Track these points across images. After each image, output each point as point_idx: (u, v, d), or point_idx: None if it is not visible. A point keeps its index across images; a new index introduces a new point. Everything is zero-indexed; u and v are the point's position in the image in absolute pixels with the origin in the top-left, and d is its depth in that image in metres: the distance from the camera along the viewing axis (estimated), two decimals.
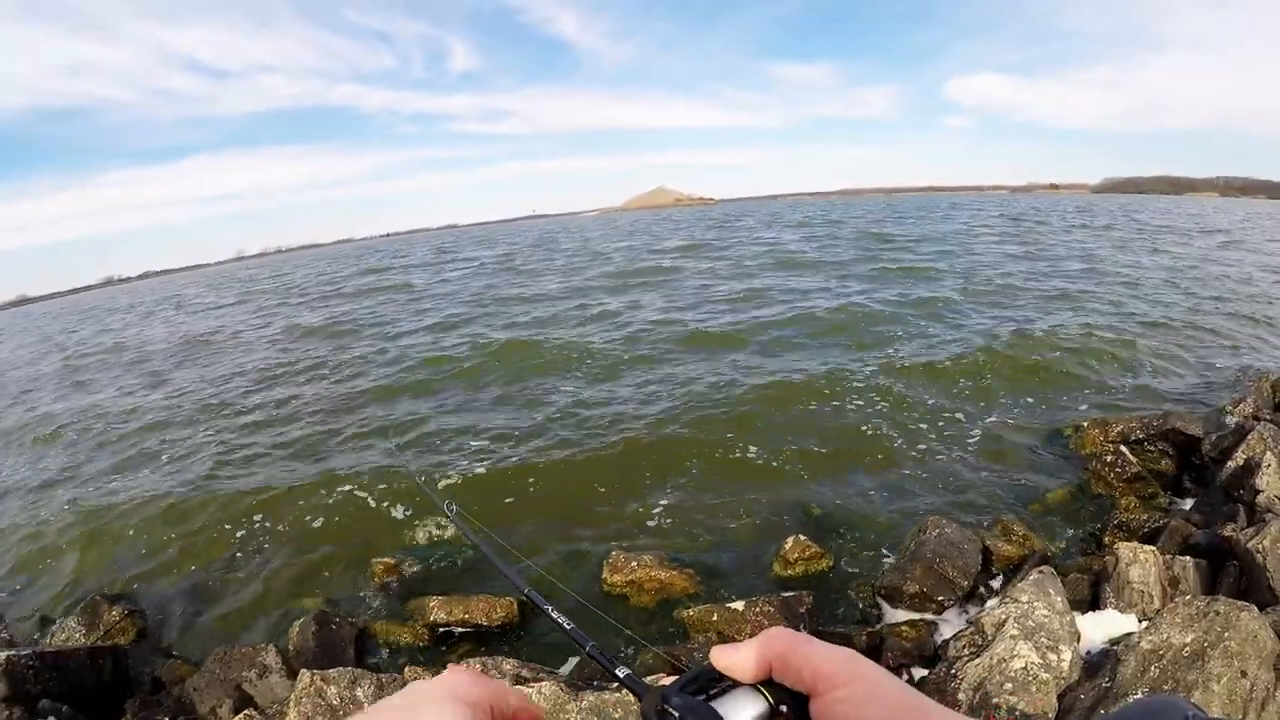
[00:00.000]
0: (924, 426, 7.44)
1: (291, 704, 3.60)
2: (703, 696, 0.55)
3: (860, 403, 8.15)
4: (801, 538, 5.15)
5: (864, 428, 7.41)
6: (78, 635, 4.86)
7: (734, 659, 0.57)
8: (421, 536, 5.91)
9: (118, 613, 4.97)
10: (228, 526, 6.48)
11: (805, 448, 7.02)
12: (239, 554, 6.03)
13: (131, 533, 6.60)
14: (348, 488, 6.80)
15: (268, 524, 6.42)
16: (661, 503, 6.19)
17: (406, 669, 4.02)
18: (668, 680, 0.60)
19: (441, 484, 6.71)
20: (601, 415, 8.35)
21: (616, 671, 0.69)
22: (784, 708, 0.54)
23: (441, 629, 4.76)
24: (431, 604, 4.81)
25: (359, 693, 3.75)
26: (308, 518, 6.44)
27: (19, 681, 4.20)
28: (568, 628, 0.78)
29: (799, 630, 0.70)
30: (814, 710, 0.53)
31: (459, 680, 0.53)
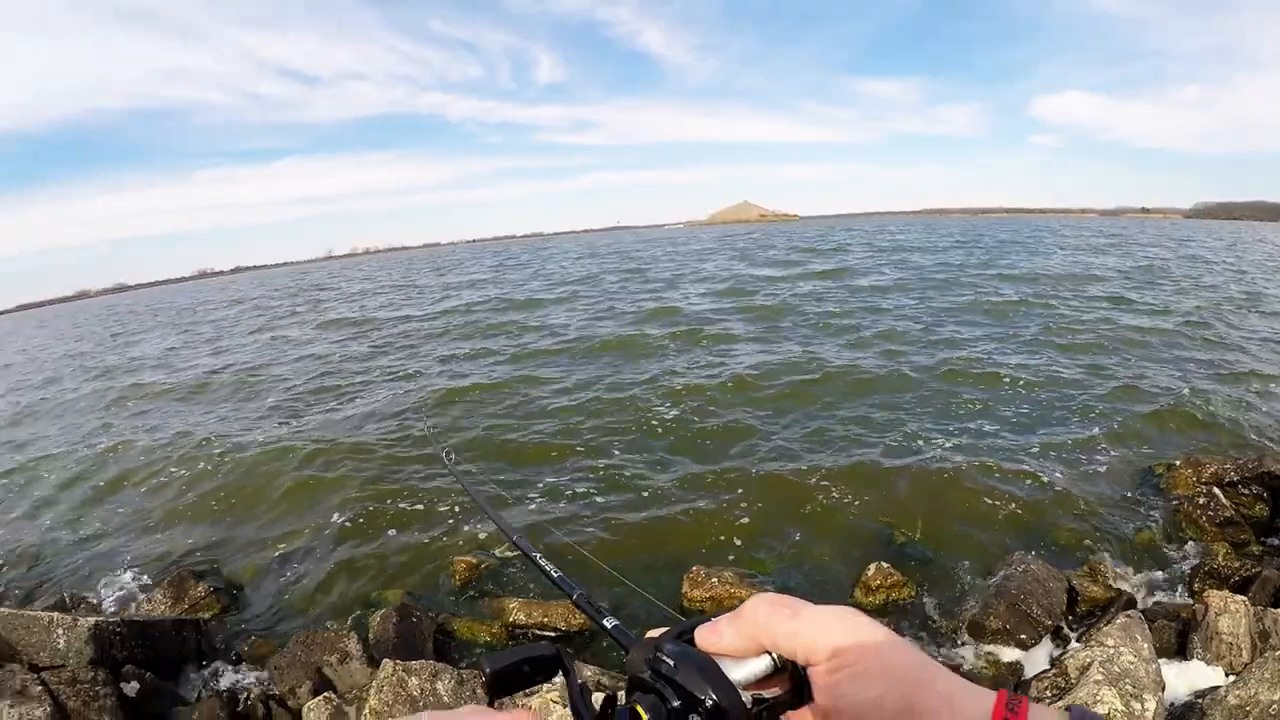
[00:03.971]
0: (1013, 462, 6.91)
1: (373, 691, 3.48)
2: None
3: (948, 433, 7.66)
4: (884, 565, 4.93)
5: (951, 459, 6.94)
6: (163, 607, 4.89)
7: (718, 640, 0.53)
8: (502, 538, 5.76)
9: (203, 588, 4.99)
10: (315, 511, 6.54)
11: (890, 475, 6.62)
12: (324, 539, 6.03)
13: (222, 507, 6.75)
14: (435, 484, 6.76)
15: (355, 512, 6.42)
16: (743, 521, 5.90)
17: None
18: (657, 633, 0.56)
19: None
20: (713, 438, 8.07)
21: (604, 622, 0.66)
22: (788, 665, 0.51)
23: (519, 631, 4.59)
24: (511, 605, 4.68)
25: (439, 686, 3.60)
26: (393, 510, 6.43)
27: (106, 646, 4.24)
28: (555, 575, 0.75)
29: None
30: (813, 678, 0.49)
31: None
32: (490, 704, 0.57)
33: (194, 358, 17.70)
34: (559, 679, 0.57)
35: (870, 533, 5.73)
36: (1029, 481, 6.42)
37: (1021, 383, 9.43)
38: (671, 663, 0.51)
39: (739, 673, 0.50)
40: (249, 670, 4.27)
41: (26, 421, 12.64)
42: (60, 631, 4.32)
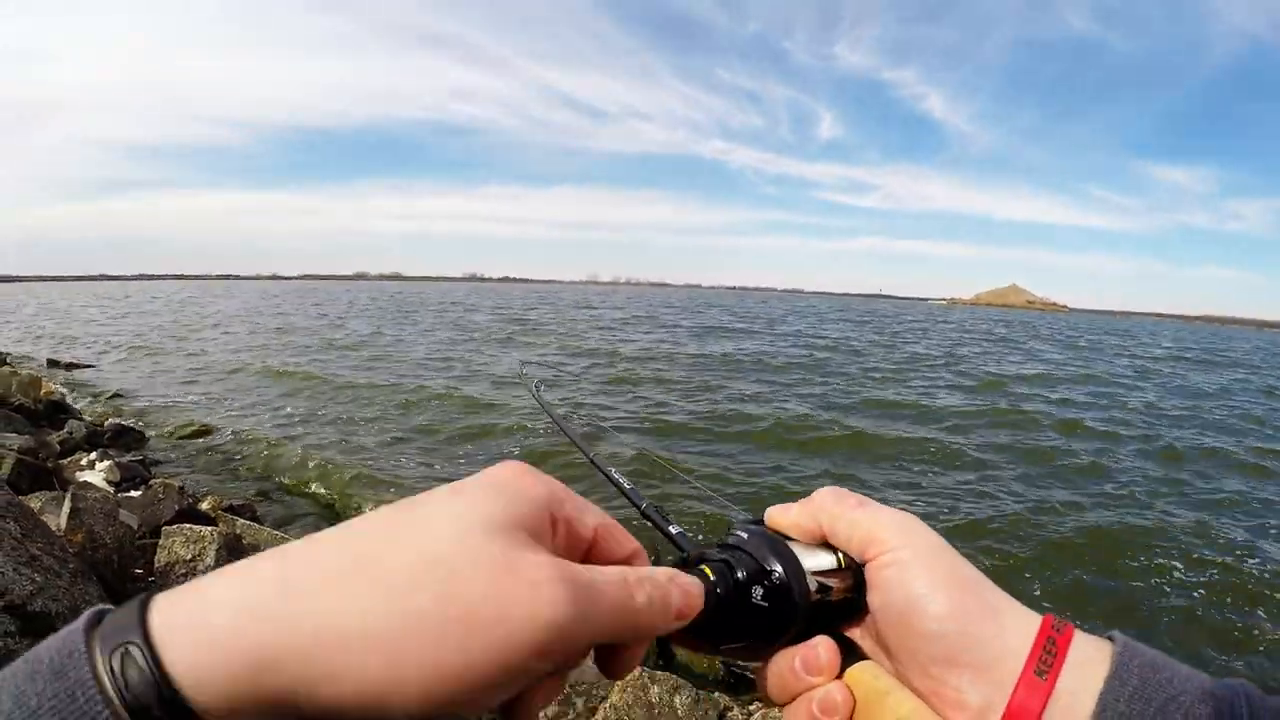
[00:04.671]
0: None
1: (616, 689, 3.34)
2: None
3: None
4: None
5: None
6: None
7: (786, 517, 0.53)
8: None
9: None
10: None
11: None
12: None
13: None
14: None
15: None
16: None
17: None
18: None
19: None
20: None
21: (669, 529, 0.62)
22: (851, 566, 0.51)
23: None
24: None
25: (678, 700, 3.38)
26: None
27: None
28: (628, 487, 0.74)
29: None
30: (867, 574, 0.50)
31: (506, 474, 0.42)
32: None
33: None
34: None
35: None
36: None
37: None
38: (744, 535, 0.52)
39: (806, 559, 0.50)
40: None
41: None
42: None
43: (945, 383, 18.12)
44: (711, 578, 0.47)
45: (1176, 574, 6.28)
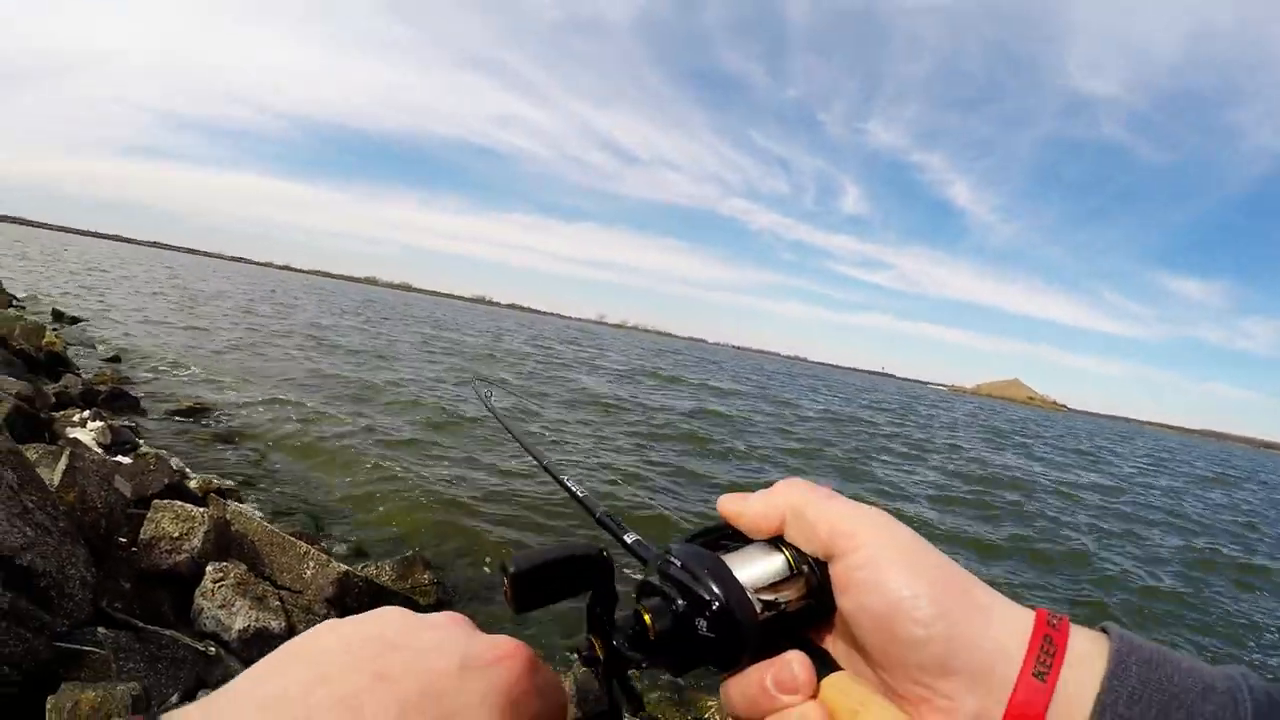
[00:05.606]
0: None
1: None
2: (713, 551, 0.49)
3: None
4: None
5: None
6: (386, 577, 5.00)
7: (741, 507, 0.50)
8: None
9: (428, 577, 5.05)
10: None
11: None
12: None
13: (485, 516, 6.94)
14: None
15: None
16: None
17: None
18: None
19: None
20: None
21: (624, 537, 0.59)
22: (805, 568, 0.47)
23: None
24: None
25: None
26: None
27: (343, 593, 4.40)
28: (581, 495, 0.70)
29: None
30: (833, 576, 0.46)
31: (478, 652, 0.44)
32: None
33: None
34: None
35: None
36: None
37: None
38: (678, 563, 0.48)
39: (748, 573, 0.46)
40: None
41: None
42: (311, 564, 4.56)
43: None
44: (649, 623, 0.46)
45: None
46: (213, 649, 3.21)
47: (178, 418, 8.85)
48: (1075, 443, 41.84)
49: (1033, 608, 0.43)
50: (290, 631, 3.94)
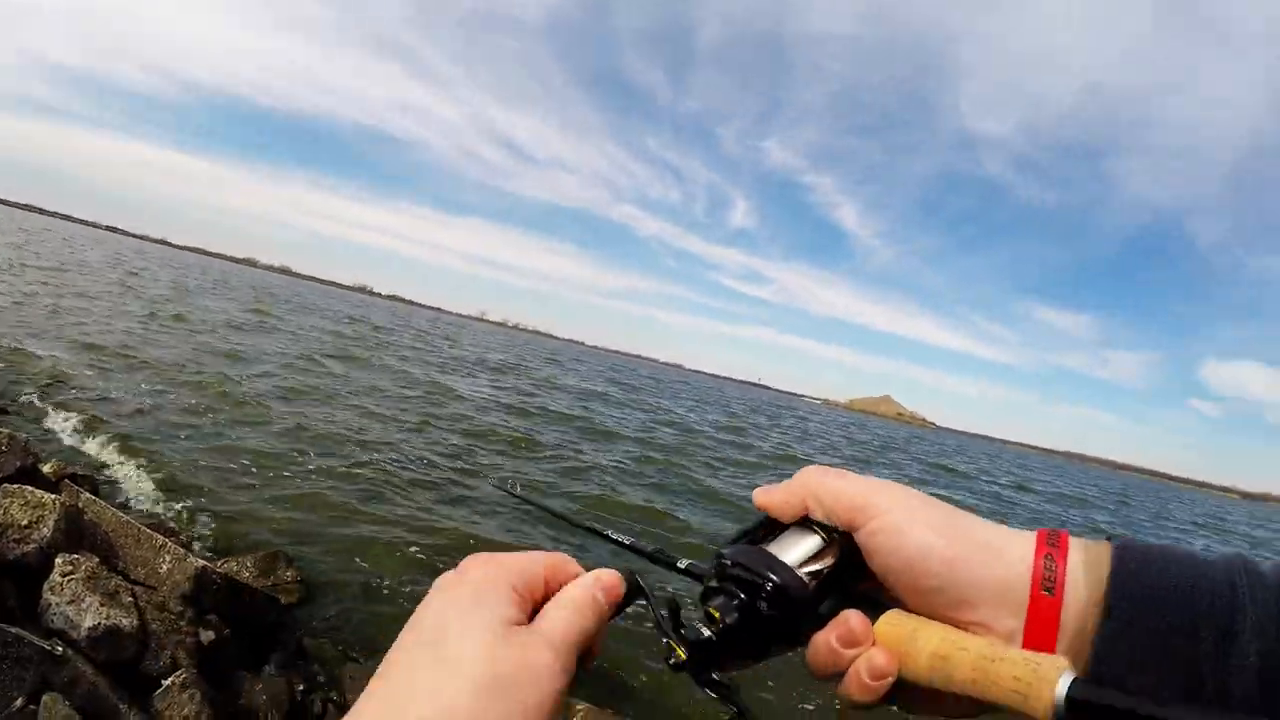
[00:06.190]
0: None
1: None
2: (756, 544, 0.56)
3: None
4: None
5: None
6: (247, 574, 4.98)
7: (770, 498, 0.56)
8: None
9: (292, 574, 5.08)
10: (438, 552, 6.40)
11: None
12: (426, 578, 5.99)
13: (346, 512, 6.90)
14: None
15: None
16: None
17: None
18: None
19: None
20: None
21: (679, 564, 0.65)
22: (835, 535, 0.54)
23: None
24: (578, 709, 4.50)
25: None
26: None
27: (201, 590, 4.34)
28: (628, 543, 0.74)
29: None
30: (861, 542, 0.52)
31: (472, 575, 0.49)
32: None
33: None
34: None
35: None
36: None
37: None
38: (729, 561, 0.54)
39: (791, 555, 0.53)
40: (318, 667, 4.26)
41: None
42: (168, 558, 4.45)
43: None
44: (718, 616, 0.52)
45: None
46: (60, 648, 3.17)
47: (35, 392, 8.25)
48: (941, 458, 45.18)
49: (1033, 530, 0.50)
50: (143, 631, 3.89)
